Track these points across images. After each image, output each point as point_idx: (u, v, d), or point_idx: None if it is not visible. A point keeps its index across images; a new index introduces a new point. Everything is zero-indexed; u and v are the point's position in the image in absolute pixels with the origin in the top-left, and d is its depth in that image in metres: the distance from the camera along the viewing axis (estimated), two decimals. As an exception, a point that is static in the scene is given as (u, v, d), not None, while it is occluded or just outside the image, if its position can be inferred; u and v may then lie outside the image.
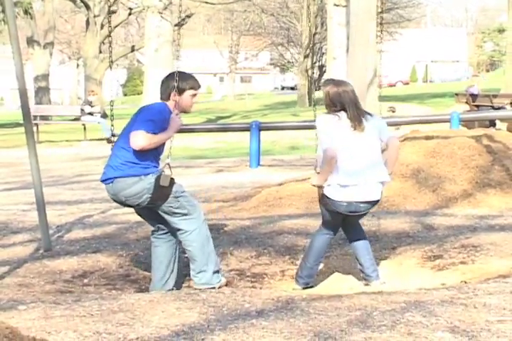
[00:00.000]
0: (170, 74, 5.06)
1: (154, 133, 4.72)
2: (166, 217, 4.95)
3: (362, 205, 5.07)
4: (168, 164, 4.99)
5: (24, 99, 5.97)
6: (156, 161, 4.92)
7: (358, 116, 5.01)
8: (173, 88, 4.91)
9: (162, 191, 4.80)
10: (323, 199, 5.13)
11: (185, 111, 5.04)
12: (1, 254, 5.98)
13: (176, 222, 4.93)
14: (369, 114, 5.12)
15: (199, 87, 5.07)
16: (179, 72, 5.00)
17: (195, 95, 5.04)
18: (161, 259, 5.09)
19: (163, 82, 5.02)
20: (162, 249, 5.10)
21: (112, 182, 4.83)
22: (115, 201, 5.00)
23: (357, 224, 5.38)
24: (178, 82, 4.90)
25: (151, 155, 4.83)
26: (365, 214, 5.29)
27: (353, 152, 4.98)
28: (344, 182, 4.98)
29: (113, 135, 5.46)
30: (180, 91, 4.93)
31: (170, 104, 4.94)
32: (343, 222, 5.30)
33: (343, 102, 5.02)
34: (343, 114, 5.03)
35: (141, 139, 4.66)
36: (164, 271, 5.09)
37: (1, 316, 3.56)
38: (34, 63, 37.14)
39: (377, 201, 5.15)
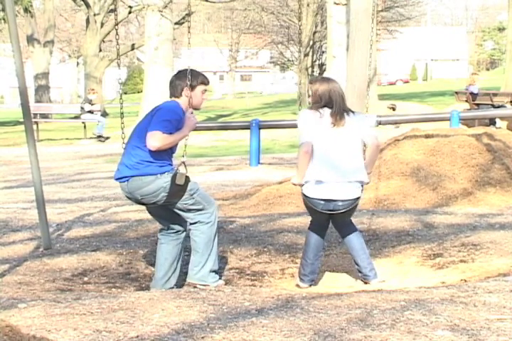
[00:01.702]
0: (178, 72, 5.11)
1: (170, 133, 4.75)
2: (182, 213, 4.97)
3: (340, 204, 5.05)
4: (184, 162, 5.03)
5: (24, 98, 5.96)
6: (170, 159, 4.95)
7: (342, 112, 5.03)
8: (185, 85, 4.94)
9: (178, 189, 4.83)
10: (302, 197, 5.17)
11: (195, 108, 5.08)
12: (1, 252, 5.98)
13: (191, 216, 4.98)
14: (352, 111, 5.13)
15: (208, 82, 5.13)
16: (187, 70, 5.05)
17: (205, 91, 5.09)
18: (166, 256, 5.11)
19: (172, 80, 5.05)
20: (168, 246, 5.11)
21: (127, 180, 4.85)
22: (130, 199, 5.02)
23: (348, 223, 5.34)
24: (188, 77, 4.95)
25: (165, 153, 4.86)
26: (350, 213, 5.24)
27: (331, 148, 4.99)
28: (320, 177, 5.00)
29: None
30: (192, 88, 4.98)
31: (181, 101, 4.97)
32: (333, 220, 5.30)
33: (332, 98, 5.04)
34: (326, 110, 5.05)
35: (157, 140, 4.70)
36: (167, 269, 5.10)
37: (1, 314, 3.56)
38: (34, 61, 37.15)
39: (356, 199, 5.11)
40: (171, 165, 4.93)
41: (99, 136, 20.15)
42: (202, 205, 4.96)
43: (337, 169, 4.99)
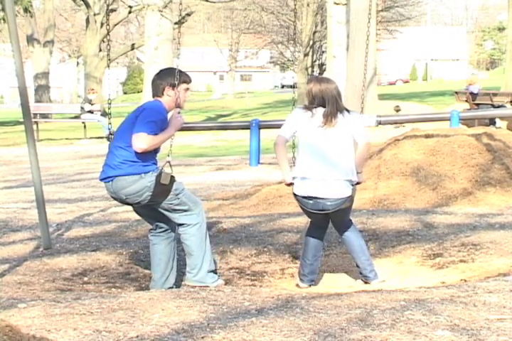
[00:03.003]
0: (160, 71, 5.12)
1: (155, 134, 4.75)
2: (167, 213, 4.96)
3: (329, 203, 5.03)
4: (169, 162, 5.02)
5: (24, 98, 5.97)
6: (155, 158, 4.95)
7: (335, 112, 5.03)
8: (166, 84, 4.94)
9: (162, 189, 4.82)
10: (294, 197, 5.20)
11: (179, 107, 5.07)
12: (0, 252, 5.98)
13: (177, 217, 4.97)
14: (348, 111, 5.12)
15: (190, 81, 5.12)
16: (169, 69, 5.09)
17: (187, 89, 5.07)
18: (160, 257, 5.11)
19: (154, 80, 5.04)
20: (161, 246, 5.11)
21: (111, 180, 4.86)
22: (115, 199, 5.02)
23: (347, 224, 5.32)
24: (176, 77, 4.94)
25: (149, 153, 4.85)
26: (345, 212, 5.21)
27: (319, 147, 5.00)
28: (305, 173, 5.01)
29: (111, 133, 5.49)
30: (174, 86, 4.96)
31: (164, 100, 4.96)
32: (332, 220, 5.29)
33: (325, 98, 5.05)
34: (318, 110, 5.06)
35: (143, 141, 4.69)
36: (164, 269, 5.10)
37: (1, 314, 3.56)
38: (34, 61, 37.13)
39: (346, 198, 5.08)
40: (155, 164, 4.92)
41: (108, 137, 20.07)
42: (187, 206, 4.94)
43: (324, 167, 5.00)
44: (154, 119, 4.78)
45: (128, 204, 5.03)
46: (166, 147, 5.13)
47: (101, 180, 4.98)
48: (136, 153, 4.77)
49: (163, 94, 4.97)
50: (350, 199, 5.13)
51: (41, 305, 3.74)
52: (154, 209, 4.99)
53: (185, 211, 4.94)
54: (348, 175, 5.06)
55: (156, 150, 4.95)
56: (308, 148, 5.04)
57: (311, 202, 5.06)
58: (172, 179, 4.86)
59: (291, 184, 5.15)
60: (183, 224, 4.97)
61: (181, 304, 3.77)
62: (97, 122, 20.72)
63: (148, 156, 4.85)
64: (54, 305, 3.74)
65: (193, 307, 3.71)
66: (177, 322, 3.41)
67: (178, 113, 5.01)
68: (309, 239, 5.30)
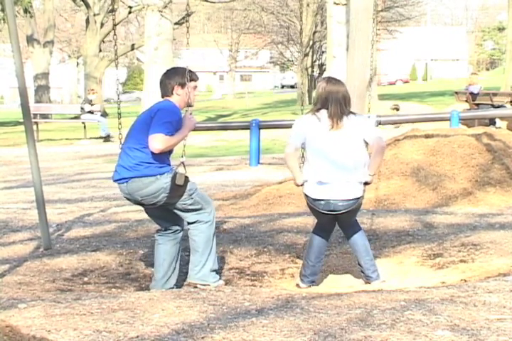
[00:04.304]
0: (167, 71, 5.12)
1: (172, 135, 4.76)
2: (180, 213, 4.99)
3: (340, 204, 5.05)
4: (183, 163, 5.04)
5: (24, 98, 5.97)
6: (169, 159, 4.97)
7: (340, 114, 5.02)
8: (175, 83, 4.95)
9: (178, 190, 4.84)
10: (305, 198, 5.21)
11: (189, 105, 5.08)
12: (1, 253, 5.98)
13: (189, 216, 5.00)
14: (353, 113, 5.11)
15: (197, 78, 5.13)
16: (176, 68, 5.12)
17: (196, 87, 5.09)
18: (164, 257, 5.11)
19: (162, 80, 5.04)
20: (166, 247, 5.12)
21: (126, 181, 4.85)
22: (129, 200, 5.02)
23: (353, 224, 5.33)
24: (186, 76, 4.95)
25: (164, 154, 4.87)
26: (354, 213, 5.23)
27: (328, 150, 5.00)
28: (318, 179, 5.03)
29: (118, 139, 5.48)
30: (182, 85, 4.97)
31: (174, 99, 4.97)
32: (339, 221, 5.30)
33: (328, 100, 5.04)
34: (322, 113, 5.04)
35: (160, 142, 4.70)
36: (167, 269, 5.10)
37: (1, 314, 3.56)
38: (34, 62, 37.11)
39: (357, 199, 5.10)
40: (169, 165, 4.94)
41: (107, 136, 20.05)
42: (200, 205, 4.98)
43: (335, 170, 5.00)
44: (170, 120, 4.79)
45: (142, 205, 5.04)
46: (180, 147, 5.13)
47: (115, 181, 4.96)
48: (152, 154, 4.77)
49: (172, 94, 4.98)
50: (361, 199, 5.15)
51: (41, 306, 3.74)
52: (167, 210, 5.01)
53: (197, 210, 4.98)
54: (359, 177, 5.06)
55: (170, 151, 4.96)
56: (318, 152, 5.03)
57: (322, 202, 5.08)
58: (186, 179, 4.89)
59: (301, 184, 5.16)
60: (194, 222, 4.99)
61: (181, 304, 3.77)
62: (97, 122, 20.71)
63: (163, 157, 4.87)
64: (54, 306, 3.74)
65: (193, 307, 3.71)
66: (177, 322, 3.41)
67: (190, 114, 5.02)
68: (314, 240, 5.30)
